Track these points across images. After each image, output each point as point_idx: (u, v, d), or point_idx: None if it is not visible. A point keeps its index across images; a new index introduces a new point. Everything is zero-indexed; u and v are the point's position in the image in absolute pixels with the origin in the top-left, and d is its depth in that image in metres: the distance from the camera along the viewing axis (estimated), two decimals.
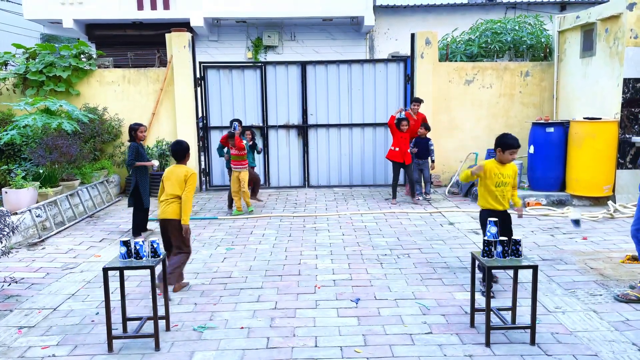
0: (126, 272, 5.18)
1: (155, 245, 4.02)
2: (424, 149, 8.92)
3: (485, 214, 4.85)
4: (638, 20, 7.89)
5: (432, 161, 9.03)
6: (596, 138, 8.14)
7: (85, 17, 13.63)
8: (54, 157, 8.02)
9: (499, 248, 3.94)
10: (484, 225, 4.74)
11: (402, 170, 8.95)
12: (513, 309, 4.12)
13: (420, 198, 9.02)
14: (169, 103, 10.11)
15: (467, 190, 9.36)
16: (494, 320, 4.10)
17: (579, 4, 14.58)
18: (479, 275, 4.89)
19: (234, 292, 5.04)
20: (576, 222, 6.70)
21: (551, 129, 8.45)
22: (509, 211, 4.97)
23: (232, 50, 14.64)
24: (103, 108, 9.97)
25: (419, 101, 9.26)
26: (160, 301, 4.35)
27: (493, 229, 4.01)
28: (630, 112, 8.14)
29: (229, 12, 13.59)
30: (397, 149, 8.67)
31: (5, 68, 10.28)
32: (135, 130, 6.98)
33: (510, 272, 5.13)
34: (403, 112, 9.05)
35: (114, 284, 4.52)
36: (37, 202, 7.35)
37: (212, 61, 10.92)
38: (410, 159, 8.79)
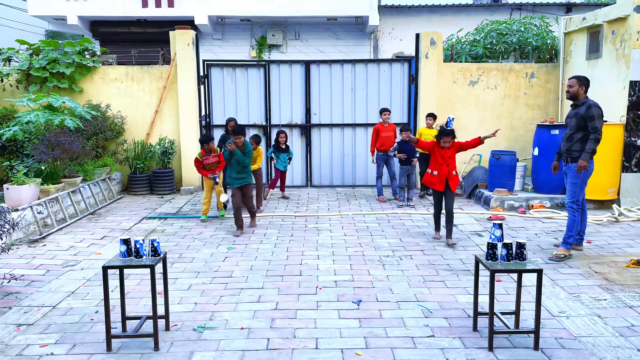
0: (126, 271, 5.18)
1: (155, 244, 3.99)
2: (410, 153, 8.54)
3: None
4: None
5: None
6: (601, 141, 8.05)
7: (90, 14, 13.63)
8: (56, 154, 8.00)
9: (503, 251, 3.88)
10: None
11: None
12: (517, 313, 4.06)
13: (403, 204, 8.68)
14: (172, 101, 10.08)
15: (470, 191, 9.30)
16: (497, 324, 4.06)
17: (584, 5, 14.51)
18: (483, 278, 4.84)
19: (234, 292, 5.00)
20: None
21: (556, 131, 8.38)
22: None
23: (236, 49, 14.60)
24: (106, 105, 9.94)
25: (388, 110, 8.87)
26: (160, 300, 4.32)
27: (497, 232, 3.96)
28: (636, 115, 8.08)
29: (233, 11, 13.55)
30: (435, 172, 6.51)
31: (9, 64, 10.26)
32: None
33: (514, 276, 5.09)
34: (451, 120, 6.84)
35: (114, 282, 4.50)
36: (38, 199, 7.33)
37: (216, 59, 10.89)
38: (456, 185, 6.56)
